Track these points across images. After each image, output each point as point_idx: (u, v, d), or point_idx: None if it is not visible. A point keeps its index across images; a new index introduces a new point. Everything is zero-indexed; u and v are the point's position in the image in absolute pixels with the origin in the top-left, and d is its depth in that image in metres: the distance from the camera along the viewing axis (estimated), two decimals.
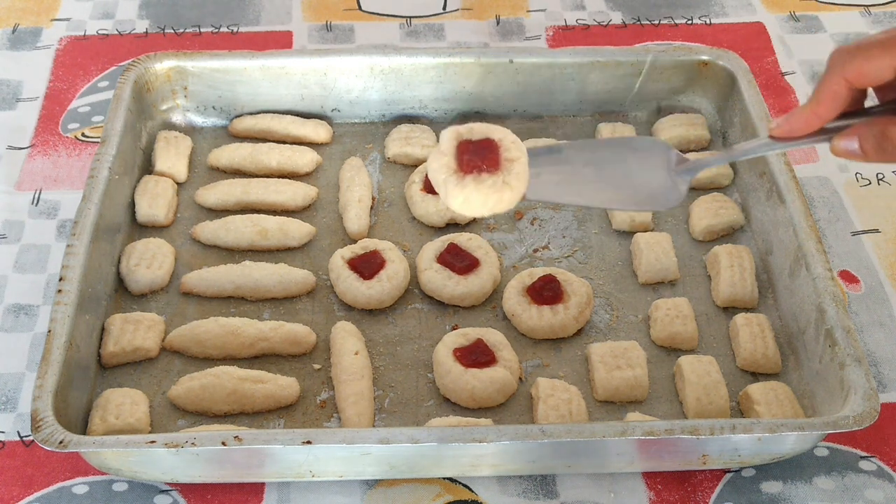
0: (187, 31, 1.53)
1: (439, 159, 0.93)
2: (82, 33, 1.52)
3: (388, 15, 1.57)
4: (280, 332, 1.11)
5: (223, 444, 0.94)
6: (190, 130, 1.34)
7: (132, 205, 1.23)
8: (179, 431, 1.00)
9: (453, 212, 1.04)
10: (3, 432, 1.06)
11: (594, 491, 1.02)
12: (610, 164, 1.01)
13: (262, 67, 1.32)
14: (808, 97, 0.90)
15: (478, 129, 0.95)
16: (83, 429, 1.02)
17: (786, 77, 1.48)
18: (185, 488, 1.02)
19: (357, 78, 1.33)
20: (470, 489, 1.02)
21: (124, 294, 1.16)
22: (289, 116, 1.34)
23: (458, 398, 1.06)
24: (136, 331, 1.10)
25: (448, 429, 0.97)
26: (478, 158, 0.92)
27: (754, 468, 1.04)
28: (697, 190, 1.27)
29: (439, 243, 1.19)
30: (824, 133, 0.90)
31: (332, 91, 1.34)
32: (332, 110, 1.36)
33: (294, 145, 1.31)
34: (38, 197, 1.28)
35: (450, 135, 0.94)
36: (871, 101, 0.91)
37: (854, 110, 0.89)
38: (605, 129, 1.32)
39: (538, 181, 0.96)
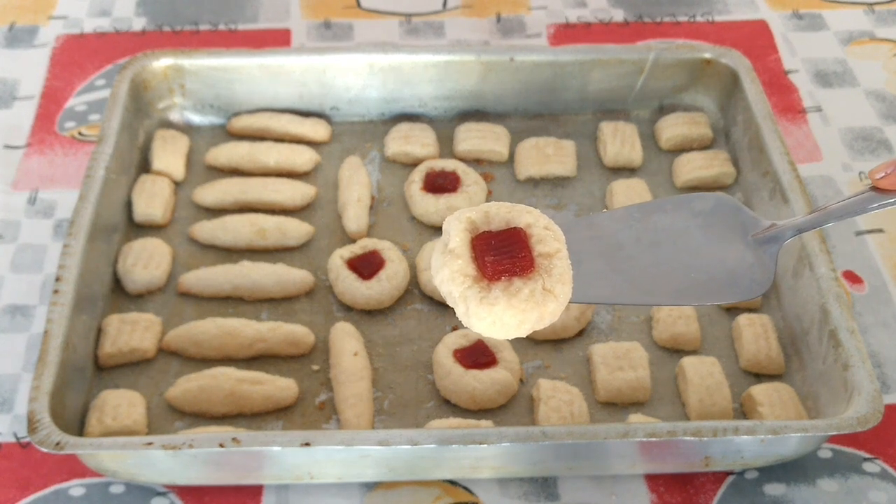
0: (185, 28, 1.52)
1: (450, 264, 0.69)
2: (79, 31, 1.52)
3: (387, 12, 1.57)
4: (278, 332, 1.10)
5: (221, 445, 0.93)
6: (187, 129, 1.34)
7: (129, 204, 1.22)
8: (177, 433, 1.00)
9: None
10: None
11: (596, 493, 1.01)
12: (668, 237, 0.77)
13: (261, 65, 1.31)
14: None
15: (496, 214, 0.70)
16: (80, 430, 1.02)
17: (789, 75, 1.47)
18: (183, 490, 1.01)
19: (356, 76, 1.32)
20: (470, 491, 1.01)
21: (121, 294, 1.16)
22: (287, 115, 1.33)
23: (458, 399, 1.06)
24: (133, 331, 1.09)
25: (448, 431, 0.96)
26: (505, 259, 0.67)
27: (757, 470, 1.03)
28: (699, 189, 1.26)
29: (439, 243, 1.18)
30: None
31: (330, 89, 1.33)
32: (331, 109, 1.35)
33: (292, 144, 1.30)
34: (35, 196, 1.27)
35: (459, 225, 0.70)
36: None
37: None
38: (607, 128, 1.31)
39: (579, 273, 0.71)
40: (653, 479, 1.02)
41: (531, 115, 1.36)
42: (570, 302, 0.71)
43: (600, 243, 0.75)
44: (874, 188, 0.78)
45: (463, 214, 0.71)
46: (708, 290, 0.76)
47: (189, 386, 1.05)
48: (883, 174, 0.76)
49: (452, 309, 1.11)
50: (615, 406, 1.07)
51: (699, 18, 1.56)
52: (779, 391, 1.05)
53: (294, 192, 1.24)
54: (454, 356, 1.07)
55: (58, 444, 0.93)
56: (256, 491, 1.01)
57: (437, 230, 1.23)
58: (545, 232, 0.70)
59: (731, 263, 0.76)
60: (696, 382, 1.05)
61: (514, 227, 0.70)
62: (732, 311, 1.15)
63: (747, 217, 0.78)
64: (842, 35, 1.53)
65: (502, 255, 0.67)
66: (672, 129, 1.31)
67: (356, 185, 1.25)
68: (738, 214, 0.80)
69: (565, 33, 1.53)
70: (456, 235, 0.70)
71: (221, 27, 1.53)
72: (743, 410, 1.06)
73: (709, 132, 1.32)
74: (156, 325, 1.11)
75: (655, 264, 0.75)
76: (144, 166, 1.28)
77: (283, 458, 0.97)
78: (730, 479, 1.03)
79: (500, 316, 0.68)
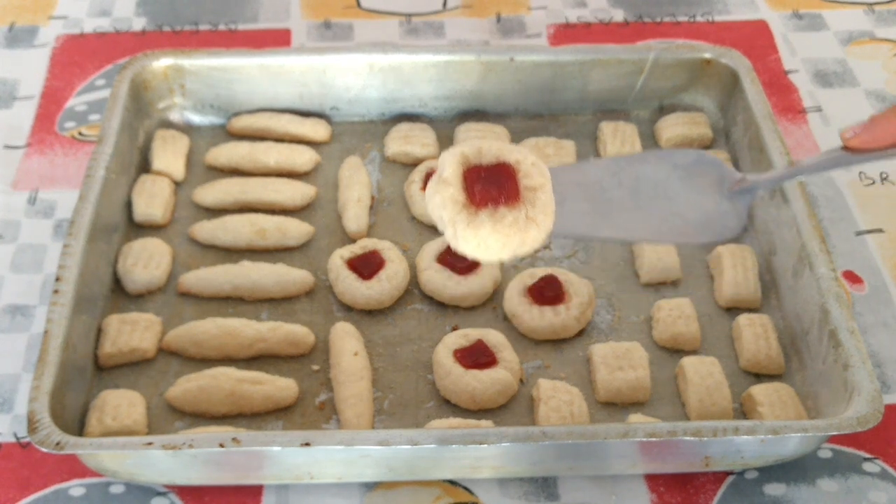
0: (185, 28, 1.52)
1: (442, 191, 0.75)
2: (79, 31, 1.52)
3: (387, 12, 1.57)
4: (278, 332, 1.10)
5: (221, 445, 0.93)
6: (187, 129, 1.34)
7: (129, 204, 1.23)
8: (177, 433, 1.00)
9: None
10: None
11: (596, 493, 1.01)
12: (649, 185, 0.84)
13: (261, 65, 1.31)
14: (892, 106, 0.84)
15: (488, 151, 0.76)
16: (80, 430, 1.02)
17: (789, 75, 1.47)
18: (183, 491, 1.01)
19: (356, 76, 1.32)
20: (470, 491, 1.01)
21: (121, 294, 1.16)
22: (287, 115, 1.33)
23: (458, 400, 1.06)
24: (133, 331, 1.09)
25: (448, 431, 0.96)
26: (493, 188, 0.74)
27: (757, 470, 1.03)
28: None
29: (439, 243, 1.18)
30: None
31: (330, 89, 1.33)
32: (331, 109, 1.35)
33: (293, 144, 1.30)
34: (35, 196, 1.27)
35: (453, 158, 0.76)
36: None
37: None
38: (607, 128, 1.31)
39: (563, 211, 0.78)
40: (653, 479, 1.02)
41: (531, 115, 1.36)
42: (551, 234, 0.77)
43: (585, 186, 0.81)
44: (845, 148, 0.83)
45: (457, 149, 0.76)
46: (683, 230, 0.84)
47: (189, 386, 1.05)
48: (852, 134, 0.82)
49: (452, 309, 1.12)
50: (615, 406, 1.07)
51: (699, 18, 1.56)
52: (779, 391, 1.05)
53: (294, 192, 1.24)
54: (454, 356, 1.07)
55: (58, 443, 0.93)
56: (256, 491, 1.01)
57: (437, 230, 1.23)
58: (532, 168, 0.77)
59: (706, 210, 0.83)
60: (696, 382, 1.05)
61: (503, 162, 0.76)
62: (733, 311, 1.15)
63: (725, 171, 0.85)
64: (842, 35, 1.53)
65: (490, 185, 0.74)
66: (672, 129, 1.31)
67: (356, 185, 1.25)
68: (717, 169, 0.86)
69: (565, 33, 1.53)
70: (449, 167, 0.76)
71: (221, 27, 1.53)
72: (743, 410, 1.06)
73: (709, 132, 1.32)
74: (156, 325, 1.11)
75: (635, 206, 0.82)
76: (144, 166, 1.28)
77: (283, 457, 0.97)
78: (730, 479, 1.03)
79: (484, 238, 0.75)
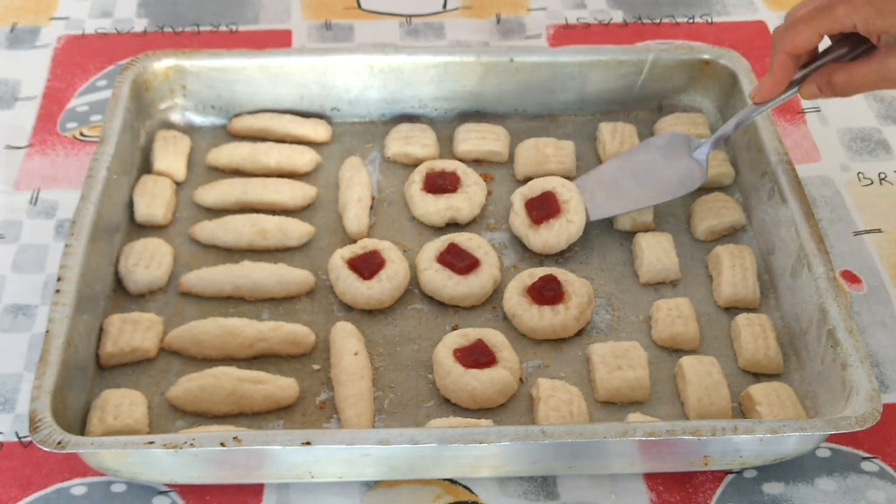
0: (186, 29, 1.53)
1: (515, 218, 1.20)
2: (80, 32, 1.52)
3: (387, 14, 1.57)
4: (279, 332, 1.10)
5: (222, 444, 0.93)
6: (189, 130, 1.34)
7: (130, 204, 1.23)
8: (178, 432, 1.00)
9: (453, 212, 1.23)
10: (1, 433, 1.05)
11: (595, 492, 1.01)
12: (642, 166, 1.23)
13: (262, 66, 1.31)
14: (769, 68, 1.09)
15: (535, 185, 1.22)
16: (81, 430, 1.02)
17: None
18: (184, 489, 1.01)
19: (356, 77, 1.33)
20: (470, 490, 1.02)
21: (123, 294, 1.16)
22: (288, 115, 1.33)
23: (458, 399, 1.06)
24: (135, 331, 1.09)
25: (448, 430, 0.96)
26: (543, 211, 1.18)
27: (756, 469, 1.03)
28: (699, 189, 1.27)
29: (439, 243, 1.18)
30: (792, 86, 1.10)
31: (331, 90, 1.34)
32: (332, 109, 1.35)
33: (293, 145, 1.30)
34: (37, 196, 1.28)
35: (518, 196, 1.21)
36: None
37: (812, 59, 1.09)
38: (606, 129, 1.32)
39: (594, 204, 1.21)
40: (652, 478, 1.03)
41: (531, 115, 1.36)
42: (587, 221, 1.20)
43: (603, 182, 1.24)
44: (754, 103, 1.14)
45: (519, 190, 1.22)
46: (668, 190, 1.21)
47: (190, 385, 1.05)
48: (754, 93, 1.12)
49: (452, 309, 1.14)
50: (614, 405, 1.07)
51: (698, 19, 1.57)
52: (777, 390, 1.05)
53: (295, 193, 1.25)
54: (454, 356, 1.07)
55: (59, 443, 0.93)
56: (257, 490, 1.02)
57: (437, 230, 1.24)
58: (563, 188, 1.21)
59: (681, 171, 1.22)
60: (694, 382, 1.06)
61: (546, 191, 1.21)
62: (731, 310, 1.15)
63: (691, 141, 1.23)
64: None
65: (540, 209, 1.19)
66: (671, 129, 1.31)
67: (357, 185, 1.25)
68: (683, 140, 1.23)
69: (565, 34, 1.53)
70: (517, 202, 1.21)
71: (222, 28, 1.53)
72: (742, 410, 1.06)
73: (707, 132, 1.31)
74: (157, 325, 1.11)
75: (636, 186, 1.22)
76: (146, 167, 1.28)
77: (283, 457, 0.97)
78: (728, 478, 1.03)
79: (546, 240, 1.18)
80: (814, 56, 1.09)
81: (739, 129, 1.19)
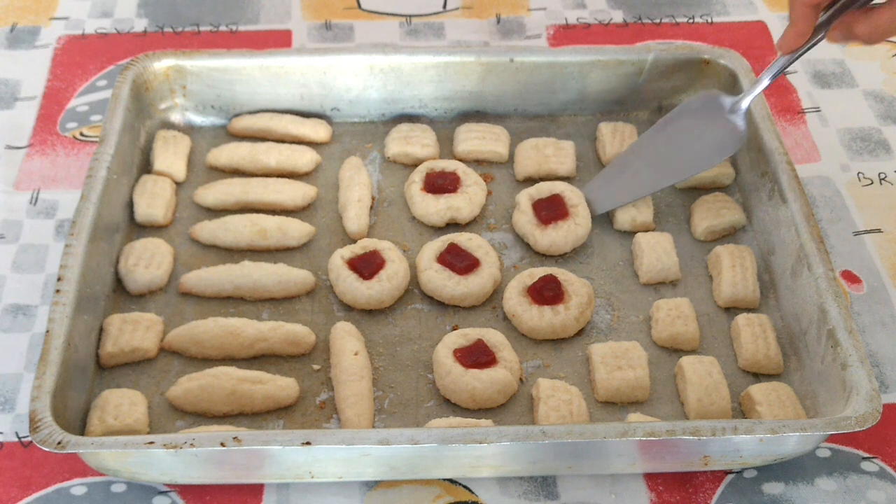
0: (186, 29, 1.53)
1: (521, 216, 1.21)
2: (81, 32, 1.52)
3: (387, 14, 1.57)
4: (279, 332, 1.10)
5: (222, 444, 0.93)
6: (189, 130, 1.34)
7: (131, 204, 1.23)
8: (178, 432, 1.00)
9: (452, 212, 1.23)
10: (1, 433, 1.06)
11: (595, 492, 1.02)
12: (677, 135, 1.19)
13: (262, 66, 1.31)
14: (789, 19, 1.09)
15: (542, 188, 1.23)
16: (81, 429, 1.02)
17: (787, 76, 1.47)
18: (184, 489, 1.01)
19: (357, 77, 1.33)
20: (470, 490, 1.02)
21: (123, 294, 1.16)
22: (288, 115, 1.33)
23: (458, 399, 1.06)
24: (135, 331, 1.09)
25: (448, 430, 0.96)
26: (551, 212, 1.20)
27: (756, 469, 1.03)
28: (699, 189, 1.27)
29: (439, 243, 1.18)
30: (818, 31, 1.08)
31: (331, 90, 1.34)
32: (332, 109, 1.35)
33: (293, 145, 1.30)
34: (37, 196, 1.28)
35: (525, 196, 1.22)
36: None
37: (833, 2, 1.07)
38: (606, 129, 1.32)
39: (602, 194, 1.23)
40: (652, 478, 1.03)
41: (531, 115, 1.36)
42: (599, 212, 1.22)
43: (623, 166, 1.24)
44: (782, 53, 1.12)
45: (525, 191, 1.23)
46: (703, 159, 1.19)
47: (190, 385, 1.05)
48: (780, 44, 1.11)
49: (452, 309, 1.14)
50: (614, 405, 1.07)
51: (698, 19, 1.57)
52: (777, 390, 1.05)
53: (295, 193, 1.25)
54: (454, 356, 1.07)
55: (59, 443, 0.93)
56: (257, 489, 1.02)
57: (437, 230, 1.24)
58: (571, 193, 1.22)
59: (717, 135, 1.18)
60: (694, 382, 1.06)
61: (554, 193, 1.22)
62: (731, 310, 1.15)
63: (725, 99, 1.20)
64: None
65: (549, 210, 1.20)
66: None
67: (357, 185, 1.25)
68: (717, 100, 1.21)
69: (565, 34, 1.53)
70: (523, 201, 1.22)
71: (222, 28, 1.53)
72: (742, 410, 1.06)
73: None
74: (157, 325, 1.11)
75: (670, 157, 1.20)
76: (146, 167, 1.28)
77: (283, 456, 0.97)
78: (728, 477, 1.03)
79: (554, 240, 1.18)
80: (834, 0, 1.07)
81: (774, 81, 1.17)
